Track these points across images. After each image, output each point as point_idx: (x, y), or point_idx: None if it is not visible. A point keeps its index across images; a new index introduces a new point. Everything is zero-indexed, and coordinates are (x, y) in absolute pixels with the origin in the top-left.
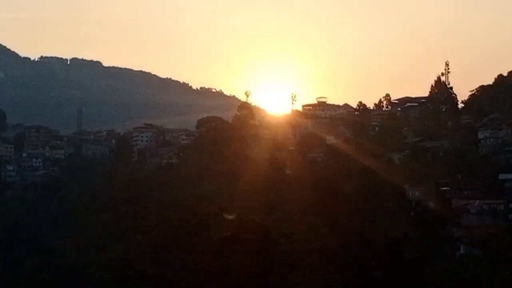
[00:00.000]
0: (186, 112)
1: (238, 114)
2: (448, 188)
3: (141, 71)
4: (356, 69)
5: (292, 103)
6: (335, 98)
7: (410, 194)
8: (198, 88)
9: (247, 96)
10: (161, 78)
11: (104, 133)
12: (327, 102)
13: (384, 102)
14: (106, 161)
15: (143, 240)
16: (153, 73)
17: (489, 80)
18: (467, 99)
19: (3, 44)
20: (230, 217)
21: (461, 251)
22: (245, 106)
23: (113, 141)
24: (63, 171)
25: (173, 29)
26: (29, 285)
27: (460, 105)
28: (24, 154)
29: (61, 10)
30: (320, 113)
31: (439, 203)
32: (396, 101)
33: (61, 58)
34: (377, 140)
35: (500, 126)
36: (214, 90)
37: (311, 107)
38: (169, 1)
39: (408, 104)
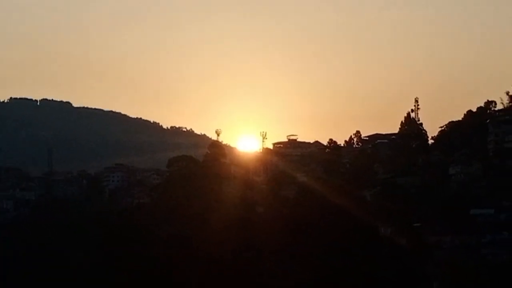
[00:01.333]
0: (157, 151)
1: (209, 152)
2: (420, 224)
3: (111, 111)
4: (326, 106)
5: (263, 141)
6: (306, 135)
7: (382, 231)
8: (169, 127)
9: (218, 134)
10: (131, 117)
11: (75, 174)
12: (298, 140)
13: (355, 139)
14: (78, 202)
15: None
16: (123, 112)
17: (459, 116)
18: (437, 135)
19: None
20: None
21: (434, 287)
22: (215, 145)
23: (84, 181)
24: (34, 212)
25: (143, 69)
26: None
27: (430, 141)
28: None
29: (30, 52)
30: (291, 150)
31: (412, 239)
32: (367, 138)
33: (31, 99)
34: (348, 177)
35: (470, 161)
36: (185, 129)
37: (281, 145)
38: (139, 41)
39: (378, 140)
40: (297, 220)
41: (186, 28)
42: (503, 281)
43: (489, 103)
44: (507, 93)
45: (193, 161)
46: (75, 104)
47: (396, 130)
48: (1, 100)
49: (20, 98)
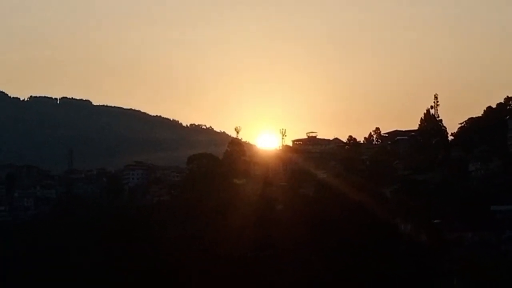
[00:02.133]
0: (177, 148)
1: (229, 150)
2: (439, 221)
3: (131, 109)
4: (345, 103)
5: (282, 139)
6: (325, 132)
7: (402, 227)
8: (188, 125)
9: (237, 132)
10: (151, 115)
11: (95, 172)
12: (317, 137)
13: (374, 136)
14: (98, 200)
15: (137, 279)
16: (143, 110)
17: (478, 112)
18: (457, 132)
19: None
20: None
21: (454, 284)
22: (235, 142)
23: (104, 179)
24: (54, 210)
25: (162, 67)
26: None
27: (450, 138)
28: (15, 194)
29: (49, 50)
30: (311, 148)
31: (431, 236)
32: (386, 135)
33: (51, 98)
34: (367, 174)
35: (490, 157)
36: (204, 127)
37: (301, 142)
38: (158, 39)
39: (398, 137)
40: (317, 218)
41: (206, 25)
42: None
43: (508, 99)
44: None
45: (212, 158)
46: (94, 102)
47: (415, 127)
48: (21, 99)
49: (40, 97)
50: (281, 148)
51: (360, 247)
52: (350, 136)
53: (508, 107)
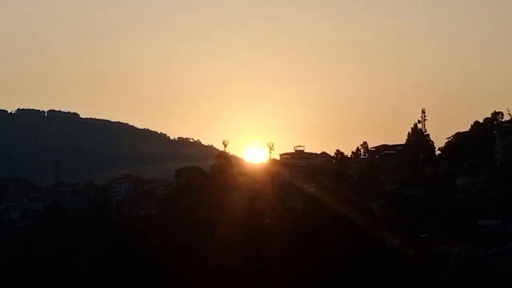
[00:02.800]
0: (164, 162)
1: (216, 163)
2: (427, 235)
3: (118, 122)
4: (333, 117)
5: (270, 152)
6: (313, 146)
7: (389, 241)
8: (176, 138)
9: (225, 145)
10: (138, 128)
11: (83, 184)
12: (305, 151)
13: (362, 150)
14: (85, 213)
15: None
16: (130, 123)
17: (466, 127)
18: (444, 146)
19: None
20: None
21: None
22: (223, 156)
23: (92, 192)
24: (41, 223)
25: (150, 80)
26: None
27: (437, 152)
28: (2, 207)
29: (37, 63)
30: (298, 161)
31: (419, 250)
32: (374, 149)
33: (38, 110)
34: (355, 188)
35: (477, 172)
36: (192, 140)
37: (288, 156)
38: (146, 53)
39: (385, 151)
40: (304, 231)
41: (193, 39)
42: None
43: (496, 114)
44: None
45: (200, 172)
46: (82, 115)
47: (403, 141)
48: (9, 111)
49: (27, 109)
50: (268, 161)
51: (347, 261)
52: (338, 150)
53: (495, 122)
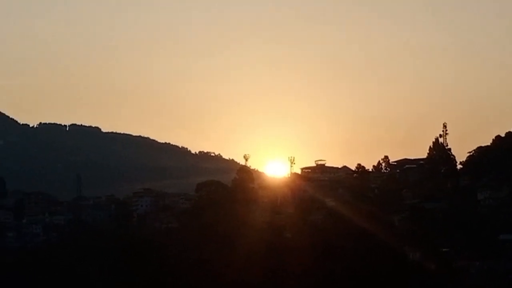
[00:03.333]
0: (185, 176)
1: (237, 177)
2: (448, 249)
3: (140, 136)
4: (354, 131)
5: (291, 166)
6: (334, 160)
7: (411, 255)
8: (197, 152)
9: (246, 159)
10: (160, 142)
11: (104, 198)
12: (326, 165)
13: (383, 164)
14: (106, 226)
15: None
16: (152, 137)
17: (487, 141)
18: (466, 160)
19: (2, 111)
20: None
21: None
22: (244, 170)
23: (113, 206)
24: (63, 237)
25: (171, 95)
26: None
27: (459, 166)
28: (24, 221)
29: (59, 77)
30: (319, 176)
31: (440, 264)
32: (395, 163)
33: (60, 125)
34: (376, 202)
35: (499, 186)
36: (213, 154)
37: (310, 170)
38: (167, 67)
39: (406, 166)
40: (325, 245)
41: (215, 54)
42: None
43: None
44: None
45: (221, 186)
46: (104, 129)
47: (424, 155)
48: (31, 125)
49: (49, 123)
50: (289, 175)
51: (368, 275)
52: (359, 164)
53: None
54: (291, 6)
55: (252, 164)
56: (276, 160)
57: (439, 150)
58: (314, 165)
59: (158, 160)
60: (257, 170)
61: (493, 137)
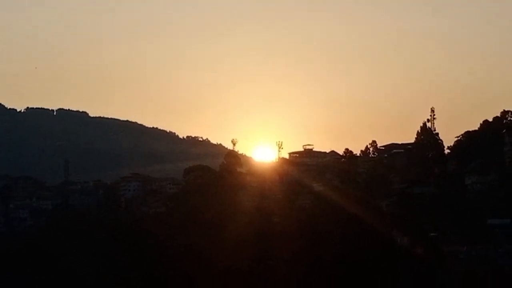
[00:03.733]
0: (173, 160)
1: (225, 162)
2: (436, 234)
3: (127, 120)
4: (342, 115)
5: (279, 151)
6: (322, 145)
7: (398, 240)
8: (185, 137)
9: (234, 144)
10: (147, 127)
11: (91, 183)
12: (314, 150)
13: (371, 149)
14: (94, 211)
15: None
16: (139, 122)
17: (475, 126)
18: (453, 145)
19: None
20: None
21: None
22: (231, 154)
23: (101, 191)
24: (50, 221)
25: (159, 79)
26: None
27: (446, 151)
28: (11, 205)
29: (46, 62)
30: (307, 160)
31: (428, 249)
32: (383, 148)
33: (47, 109)
34: (364, 186)
35: (486, 171)
36: (201, 139)
37: (297, 155)
38: (154, 52)
39: (394, 150)
40: (313, 230)
41: (203, 40)
42: None
43: (505, 113)
44: None
45: (209, 170)
46: (91, 114)
47: (412, 140)
48: (18, 110)
49: (36, 108)
50: (277, 160)
51: (356, 260)
52: (347, 149)
53: (504, 121)
54: None
55: (240, 148)
56: (264, 144)
57: (427, 135)
58: (302, 149)
59: (146, 144)
60: (245, 155)
61: (481, 122)
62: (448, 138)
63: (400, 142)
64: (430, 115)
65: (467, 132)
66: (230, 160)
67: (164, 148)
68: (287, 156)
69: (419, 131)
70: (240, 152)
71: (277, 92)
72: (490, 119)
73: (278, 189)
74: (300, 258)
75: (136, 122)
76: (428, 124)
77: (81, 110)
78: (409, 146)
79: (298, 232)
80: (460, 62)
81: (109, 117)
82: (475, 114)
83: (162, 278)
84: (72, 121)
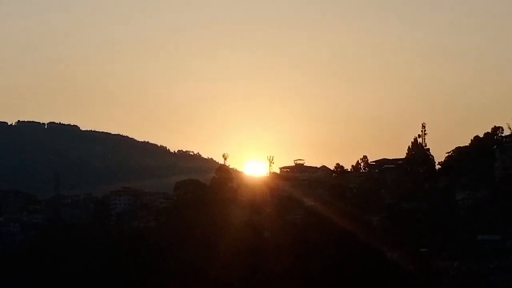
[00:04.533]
0: (164, 175)
1: (216, 176)
2: (426, 249)
3: (118, 134)
4: (333, 131)
5: (270, 166)
6: (313, 160)
7: (389, 256)
8: (176, 151)
9: (225, 158)
10: (138, 141)
11: (82, 197)
12: (305, 164)
13: (362, 164)
14: (84, 225)
15: None
16: (130, 136)
17: (466, 142)
18: (444, 161)
19: None
20: None
21: None
22: (222, 169)
23: (91, 204)
24: (41, 235)
25: (150, 94)
26: None
27: (437, 167)
28: (2, 219)
29: (37, 75)
30: (298, 175)
31: (419, 264)
32: (374, 163)
33: (38, 123)
34: (355, 202)
35: (477, 187)
36: (192, 153)
37: (288, 170)
38: (146, 67)
39: (385, 165)
40: (304, 245)
41: (195, 55)
42: None
43: (496, 129)
44: None
45: (200, 185)
46: (82, 128)
47: (403, 155)
48: (9, 123)
49: (27, 121)
50: (268, 175)
51: (347, 275)
52: (338, 164)
53: (495, 137)
54: (269, 10)
55: (231, 163)
56: (255, 159)
57: (418, 150)
58: (293, 164)
59: (136, 159)
60: (236, 170)
61: (472, 138)
62: (439, 154)
63: (391, 158)
64: (421, 131)
65: (458, 148)
66: (221, 174)
67: (155, 162)
68: (278, 171)
69: (410, 146)
70: (231, 166)
71: (269, 107)
72: (481, 135)
73: (269, 203)
74: (291, 273)
75: (127, 136)
76: (419, 140)
77: (72, 124)
78: (400, 162)
79: (289, 247)
80: (452, 78)
81: (100, 130)
82: (466, 130)
83: None
84: (63, 134)
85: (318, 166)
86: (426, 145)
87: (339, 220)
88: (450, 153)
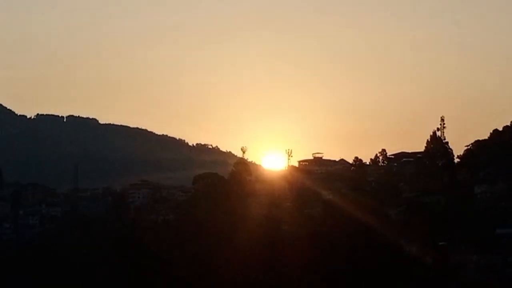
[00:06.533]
0: (183, 168)
1: (234, 170)
2: (445, 243)
3: (137, 127)
4: (352, 124)
5: (288, 159)
6: (331, 153)
7: (407, 249)
8: (194, 144)
9: (243, 152)
10: (157, 134)
11: (101, 190)
12: (323, 158)
13: (380, 157)
14: (103, 218)
15: None
16: (149, 129)
17: (485, 135)
18: (463, 154)
19: (0, 102)
20: None
21: None
22: (241, 162)
23: (110, 198)
24: (60, 228)
25: (169, 87)
26: None
27: (456, 160)
28: (21, 212)
29: (57, 68)
30: (316, 168)
31: (436, 258)
32: (392, 156)
33: (57, 116)
34: (373, 195)
35: (496, 180)
36: (210, 146)
37: (307, 163)
38: (164, 59)
39: (404, 159)
40: (322, 238)
41: (213, 46)
42: None
43: None
44: None
45: (218, 178)
46: (101, 121)
47: (421, 149)
48: (28, 117)
49: (46, 115)
50: (287, 168)
51: (366, 268)
52: (356, 157)
53: None
54: None
55: (250, 156)
56: (273, 152)
57: (437, 144)
58: (312, 158)
59: (155, 152)
60: (254, 163)
61: (491, 131)
62: (458, 147)
63: (409, 151)
64: (440, 124)
65: (477, 141)
66: (240, 167)
67: (173, 155)
68: (296, 164)
69: (429, 140)
70: (249, 159)
71: (287, 99)
72: (500, 128)
73: (288, 197)
74: (309, 266)
75: (145, 129)
76: (438, 133)
77: (91, 117)
78: (419, 155)
79: (307, 240)
80: (471, 71)
81: (119, 124)
82: (485, 123)
83: (170, 287)
84: (82, 127)
85: (337, 159)
86: (445, 139)
87: (357, 213)
88: (469, 147)
